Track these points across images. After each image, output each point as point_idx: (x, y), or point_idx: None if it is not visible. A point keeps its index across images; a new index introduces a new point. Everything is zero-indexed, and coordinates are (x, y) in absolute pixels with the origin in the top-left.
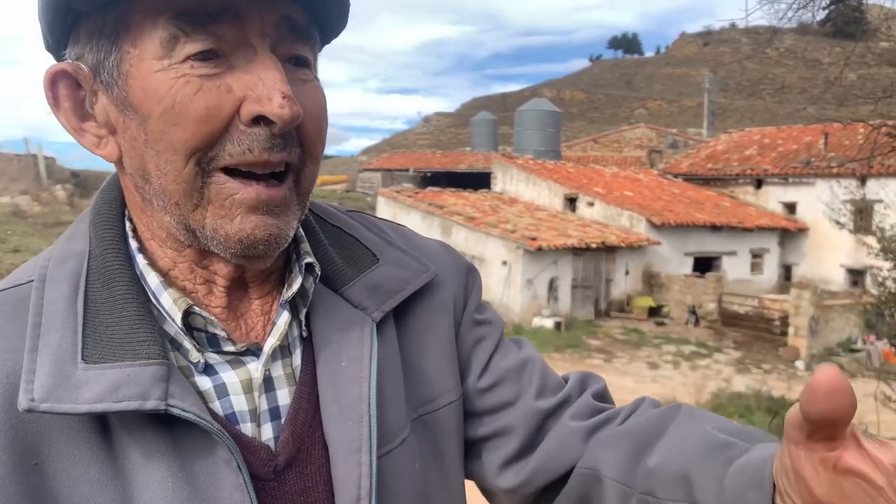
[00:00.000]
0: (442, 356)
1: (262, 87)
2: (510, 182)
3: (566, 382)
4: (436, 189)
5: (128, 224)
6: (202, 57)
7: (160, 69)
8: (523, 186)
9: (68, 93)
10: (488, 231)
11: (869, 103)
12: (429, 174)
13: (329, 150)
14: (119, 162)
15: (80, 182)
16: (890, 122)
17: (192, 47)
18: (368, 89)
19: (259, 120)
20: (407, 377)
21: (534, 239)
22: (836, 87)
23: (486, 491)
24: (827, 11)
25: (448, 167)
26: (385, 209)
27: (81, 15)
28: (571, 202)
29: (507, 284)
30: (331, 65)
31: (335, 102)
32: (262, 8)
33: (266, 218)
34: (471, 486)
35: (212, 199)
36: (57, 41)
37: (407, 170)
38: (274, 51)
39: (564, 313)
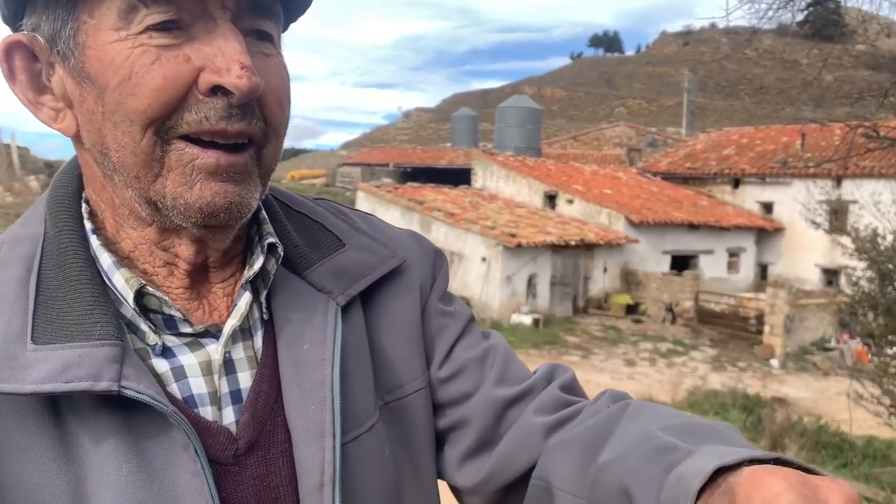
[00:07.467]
0: (409, 342)
1: (220, 57)
2: (490, 179)
3: (534, 374)
4: (416, 185)
5: (84, 205)
6: (161, 27)
7: (117, 39)
8: (503, 183)
9: (24, 65)
10: (468, 227)
11: (845, 105)
12: (409, 170)
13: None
14: (77, 136)
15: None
16: (866, 124)
17: (151, 18)
18: (346, 83)
19: (217, 90)
20: (375, 363)
21: (513, 236)
22: (813, 89)
23: (453, 489)
24: (806, 13)
25: (428, 163)
26: (365, 204)
27: None
28: (551, 199)
29: (486, 281)
30: (308, 58)
31: (313, 96)
32: None
33: (226, 185)
34: (444, 487)
35: (172, 166)
36: (13, 12)
37: (387, 165)
38: (236, 24)
39: (543, 310)
